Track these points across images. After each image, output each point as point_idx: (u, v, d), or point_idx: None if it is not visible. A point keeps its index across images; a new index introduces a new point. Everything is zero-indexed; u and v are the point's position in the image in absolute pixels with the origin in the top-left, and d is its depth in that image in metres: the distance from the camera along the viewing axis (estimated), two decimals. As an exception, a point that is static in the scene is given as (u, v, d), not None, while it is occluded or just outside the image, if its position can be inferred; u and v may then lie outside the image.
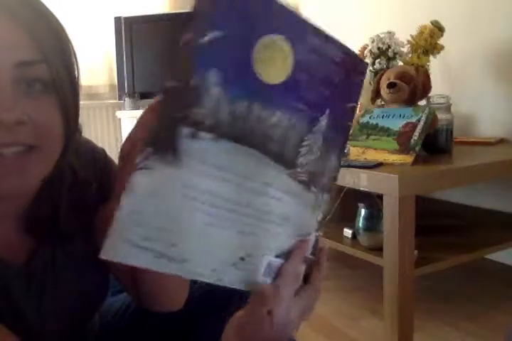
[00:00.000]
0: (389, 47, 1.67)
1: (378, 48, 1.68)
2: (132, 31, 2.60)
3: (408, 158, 1.23)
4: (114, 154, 0.74)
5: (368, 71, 1.74)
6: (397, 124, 1.33)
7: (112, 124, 2.86)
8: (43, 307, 0.57)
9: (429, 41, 1.55)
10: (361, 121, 1.42)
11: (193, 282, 0.65)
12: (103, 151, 0.68)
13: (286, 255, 0.47)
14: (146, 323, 0.70)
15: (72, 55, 0.54)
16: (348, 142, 1.38)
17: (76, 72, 0.54)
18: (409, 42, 1.61)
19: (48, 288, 0.58)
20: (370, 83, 1.73)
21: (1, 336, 0.52)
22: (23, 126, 0.48)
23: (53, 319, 0.58)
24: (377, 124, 1.37)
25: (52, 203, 0.58)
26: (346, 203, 1.37)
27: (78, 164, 0.62)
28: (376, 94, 1.58)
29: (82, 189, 0.61)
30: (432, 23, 1.57)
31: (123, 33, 2.60)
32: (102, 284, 0.65)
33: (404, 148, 1.26)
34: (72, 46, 0.53)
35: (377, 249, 1.26)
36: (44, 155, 0.52)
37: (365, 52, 1.73)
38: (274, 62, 0.40)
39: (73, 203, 0.59)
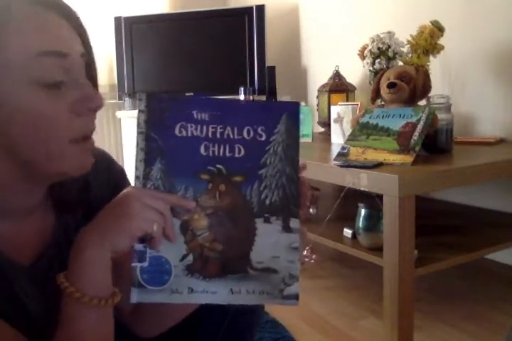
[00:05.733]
0: (389, 47, 1.67)
1: (378, 48, 1.69)
2: (132, 31, 2.60)
3: (408, 158, 1.23)
4: (113, 154, 0.76)
5: (368, 71, 1.75)
6: (397, 124, 1.33)
7: (112, 124, 2.86)
8: (49, 308, 0.58)
9: (429, 41, 1.55)
10: (361, 121, 1.42)
11: None
12: (106, 153, 0.72)
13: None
14: None
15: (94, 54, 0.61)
16: (348, 142, 1.39)
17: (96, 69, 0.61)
18: (409, 42, 1.61)
19: (53, 289, 0.58)
20: (370, 83, 1.73)
21: (9, 336, 0.53)
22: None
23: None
24: (377, 124, 1.37)
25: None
26: (346, 203, 1.37)
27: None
28: (376, 94, 1.58)
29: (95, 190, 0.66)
30: (431, 23, 1.57)
31: (123, 33, 2.60)
32: None
33: (404, 148, 1.26)
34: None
35: (377, 249, 1.26)
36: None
37: (365, 52, 1.73)
38: None
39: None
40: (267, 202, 0.55)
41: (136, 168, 0.54)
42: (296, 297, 0.54)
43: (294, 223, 0.55)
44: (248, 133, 0.55)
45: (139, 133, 0.54)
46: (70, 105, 0.52)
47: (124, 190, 0.53)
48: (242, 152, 0.55)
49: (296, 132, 0.55)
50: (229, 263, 0.54)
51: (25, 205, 0.59)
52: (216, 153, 0.54)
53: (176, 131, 0.54)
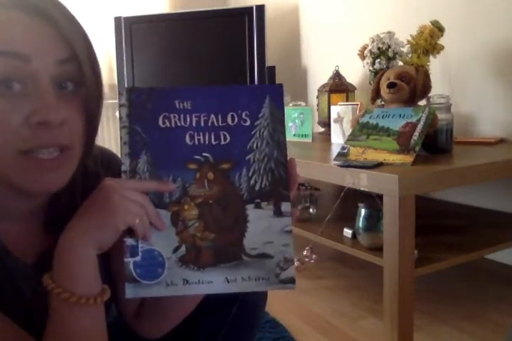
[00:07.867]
0: (389, 47, 1.67)
1: (378, 48, 1.68)
2: (132, 31, 2.60)
3: (408, 158, 1.23)
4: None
5: (368, 71, 1.75)
6: (397, 124, 1.33)
7: (112, 124, 2.86)
8: None
9: (429, 41, 1.55)
10: (361, 121, 1.42)
11: None
12: (108, 150, 0.72)
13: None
14: None
15: (96, 56, 0.58)
16: (348, 142, 1.39)
17: (99, 72, 0.58)
18: (409, 42, 1.60)
19: None
20: (370, 83, 1.73)
21: (15, 336, 0.53)
22: (62, 128, 0.52)
23: None
24: (377, 124, 1.37)
25: (70, 198, 0.62)
26: (346, 203, 1.37)
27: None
28: (376, 94, 1.58)
29: (93, 181, 0.63)
30: (431, 23, 1.57)
31: (123, 33, 2.60)
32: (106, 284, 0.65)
33: (404, 148, 1.26)
34: (94, 49, 0.58)
35: (377, 249, 1.26)
36: (74, 155, 0.56)
37: (365, 52, 1.73)
38: None
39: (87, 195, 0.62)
40: (257, 187, 0.55)
41: (123, 163, 0.53)
42: (292, 280, 0.54)
43: (285, 207, 0.54)
44: (232, 119, 0.55)
45: (121, 127, 0.54)
46: (26, 115, 0.50)
47: (101, 184, 0.52)
48: (228, 139, 0.55)
49: (281, 114, 0.55)
50: (222, 251, 0.54)
51: (25, 207, 0.59)
52: (202, 141, 0.54)
53: (160, 123, 0.54)
